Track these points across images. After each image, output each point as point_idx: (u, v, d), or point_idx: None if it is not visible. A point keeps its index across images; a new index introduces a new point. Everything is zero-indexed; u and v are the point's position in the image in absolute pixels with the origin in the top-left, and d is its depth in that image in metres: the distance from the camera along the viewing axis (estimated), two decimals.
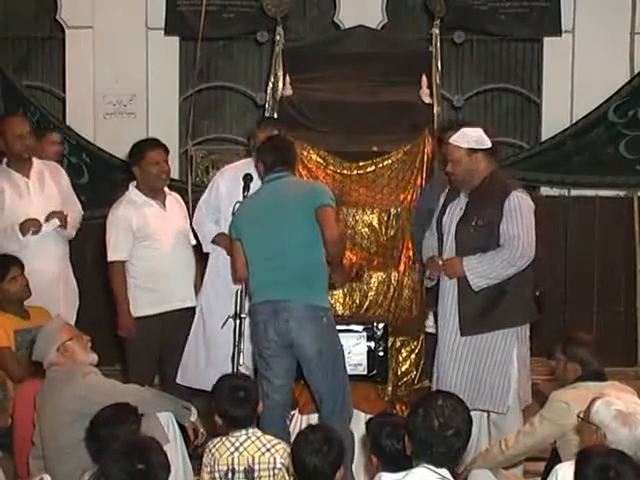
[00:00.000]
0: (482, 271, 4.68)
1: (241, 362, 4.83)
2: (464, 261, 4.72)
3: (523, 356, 4.80)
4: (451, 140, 4.81)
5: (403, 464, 3.25)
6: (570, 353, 4.39)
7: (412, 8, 7.31)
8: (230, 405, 3.93)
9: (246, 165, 5.40)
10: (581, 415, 3.56)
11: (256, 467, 3.86)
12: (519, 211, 4.68)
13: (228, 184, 5.37)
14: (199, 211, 5.46)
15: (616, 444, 3.33)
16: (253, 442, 3.91)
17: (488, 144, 4.79)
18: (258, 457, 3.87)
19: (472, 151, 4.75)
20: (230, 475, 3.88)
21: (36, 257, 5.44)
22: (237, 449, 3.90)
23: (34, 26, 7.37)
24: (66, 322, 4.62)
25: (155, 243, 5.34)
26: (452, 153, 4.81)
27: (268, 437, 3.95)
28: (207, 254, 5.48)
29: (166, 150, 5.45)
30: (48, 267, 5.54)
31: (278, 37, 6.05)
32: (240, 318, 4.87)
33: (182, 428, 4.40)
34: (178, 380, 5.38)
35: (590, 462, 3.05)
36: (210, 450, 3.95)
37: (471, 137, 4.77)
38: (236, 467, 3.88)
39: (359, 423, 4.98)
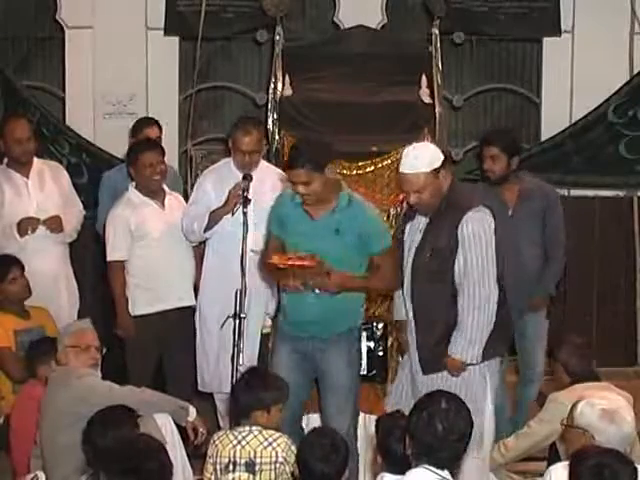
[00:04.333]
0: (468, 342, 4.30)
1: (241, 362, 4.83)
2: (451, 351, 4.34)
3: (496, 388, 4.50)
4: (407, 170, 4.30)
5: (408, 468, 3.25)
6: (556, 356, 4.43)
7: (412, 8, 7.30)
8: (239, 390, 4.01)
9: (226, 165, 5.41)
10: (564, 422, 3.54)
11: (257, 461, 3.90)
12: (473, 240, 4.28)
13: (213, 184, 5.36)
14: (188, 213, 5.36)
15: (605, 443, 3.32)
16: (255, 436, 3.94)
17: (442, 154, 4.37)
18: (260, 451, 3.91)
19: (436, 171, 4.29)
20: (231, 467, 3.92)
21: (34, 257, 5.45)
22: (239, 442, 3.94)
23: (34, 26, 7.36)
24: (88, 329, 4.54)
25: (153, 242, 5.36)
26: (414, 183, 4.29)
27: (270, 432, 3.98)
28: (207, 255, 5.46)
29: (162, 151, 5.46)
30: (46, 267, 5.54)
31: (278, 37, 6.05)
32: (240, 318, 4.87)
33: (182, 428, 4.41)
34: (199, 388, 5.39)
35: (585, 462, 3.03)
36: (214, 442, 4.01)
37: (429, 156, 4.31)
38: (237, 460, 3.92)
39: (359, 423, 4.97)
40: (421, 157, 4.30)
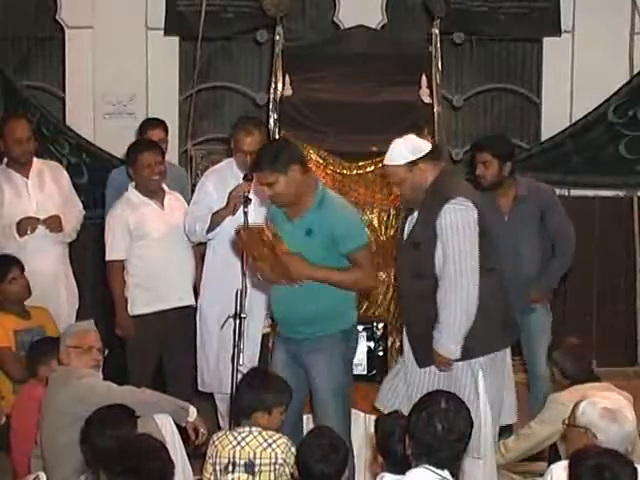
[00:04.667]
0: (446, 337, 4.22)
1: (241, 362, 4.83)
2: (434, 346, 4.25)
3: (495, 386, 4.30)
4: (386, 162, 4.36)
5: (409, 468, 3.25)
6: (552, 359, 4.44)
7: (412, 8, 7.30)
8: (241, 389, 3.99)
9: (228, 165, 5.42)
10: (566, 422, 3.55)
11: (257, 462, 3.89)
12: (450, 232, 4.19)
13: (215, 185, 5.36)
14: (191, 213, 5.37)
15: (607, 442, 3.34)
16: (255, 437, 3.93)
17: (426, 148, 4.35)
18: (259, 452, 3.90)
19: (412, 164, 4.28)
20: (230, 468, 3.91)
21: (33, 257, 5.44)
22: (239, 443, 3.93)
23: (34, 26, 7.36)
24: (90, 330, 4.54)
25: (153, 242, 5.36)
26: (392, 176, 4.35)
27: (270, 432, 3.97)
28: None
29: (160, 151, 5.46)
30: (46, 267, 5.52)
31: (278, 37, 6.05)
32: (240, 318, 4.86)
33: (182, 428, 4.40)
34: (199, 387, 5.39)
35: (585, 463, 3.02)
36: (214, 442, 4.00)
37: (406, 149, 4.30)
38: (237, 460, 3.91)
39: (359, 423, 4.98)
40: (398, 150, 4.31)
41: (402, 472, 3.23)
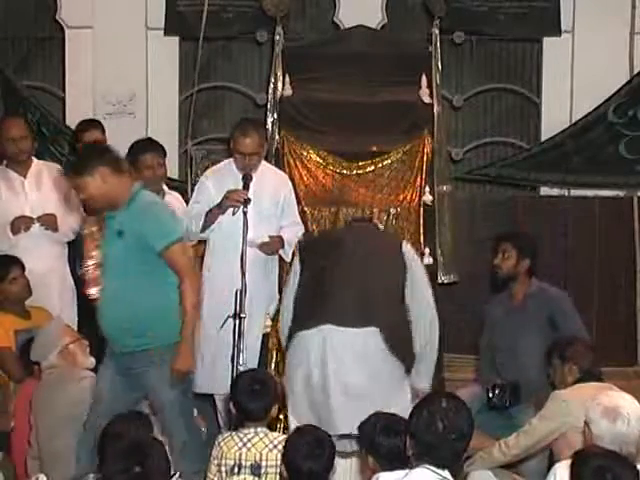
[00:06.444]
0: None
1: (241, 362, 4.83)
2: None
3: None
4: None
5: (400, 460, 3.25)
6: (567, 356, 4.44)
7: (412, 8, 7.30)
8: (245, 397, 3.96)
9: (228, 165, 5.41)
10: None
11: (263, 464, 3.88)
12: None
13: (214, 185, 5.35)
14: (188, 212, 5.36)
15: (599, 438, 3.38)
16: (261, 439, 3.93)
17: None
18: (266, 454, 3.90)
19: None
20: (236, 470, 3.90)
21: (24, 256, 5.36)
22: (245, 445, 3.92)
23: (34, 26, 7.37)
24: (66, 324, 4.62)
25: None
26: None
27: (275, 434, 3.98)
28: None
29: (162, 152, 5.46)
30: (36, 266, 5.40)
31: (278, 37, 6.05)
32: (240, 318, 4.87)
33: None
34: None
35: (587, 464, 3.03)
36: (219, 443, 3.98)
37: None
38: (243, 462, 3.90)
39: None
40: None
41: (395, 466, 3.24)
